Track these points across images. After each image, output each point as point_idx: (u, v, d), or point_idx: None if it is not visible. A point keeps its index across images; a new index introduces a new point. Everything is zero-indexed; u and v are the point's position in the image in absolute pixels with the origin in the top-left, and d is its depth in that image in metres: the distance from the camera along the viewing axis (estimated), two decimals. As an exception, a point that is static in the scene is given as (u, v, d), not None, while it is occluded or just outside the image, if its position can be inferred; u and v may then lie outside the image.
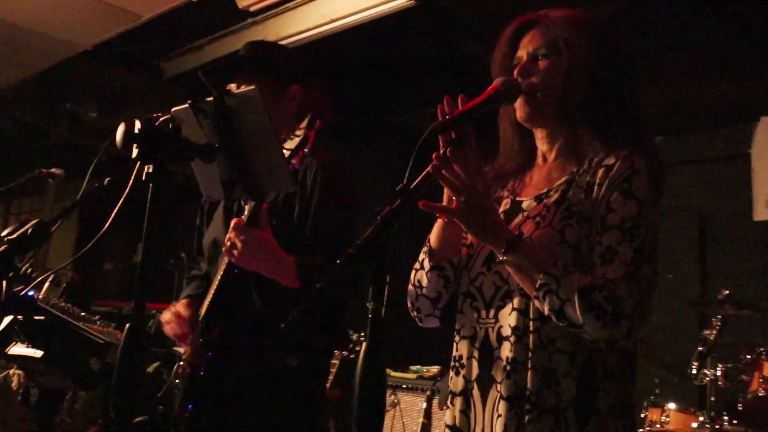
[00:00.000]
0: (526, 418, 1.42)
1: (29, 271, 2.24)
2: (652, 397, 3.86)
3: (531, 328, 1.46)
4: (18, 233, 1.86)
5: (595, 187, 1.50)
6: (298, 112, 2.23)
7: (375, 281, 1.29)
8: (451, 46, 4.62)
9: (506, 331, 1.49)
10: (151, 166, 1.39)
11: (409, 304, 1.66)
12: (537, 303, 1.42)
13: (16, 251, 1.85)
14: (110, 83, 5.34)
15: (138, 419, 2.63)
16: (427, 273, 1.59)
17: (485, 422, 1.50)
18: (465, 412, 1.54)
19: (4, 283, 1.77)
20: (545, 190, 1.58)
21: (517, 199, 1.63)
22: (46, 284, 2.37)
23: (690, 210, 5.15)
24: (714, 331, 3.49)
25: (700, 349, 3.52)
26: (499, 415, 1.46)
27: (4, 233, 1.91)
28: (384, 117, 5.90)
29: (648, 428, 3.61)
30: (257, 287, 2.07)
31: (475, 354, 1.55)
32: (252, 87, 1.46)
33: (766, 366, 3.44)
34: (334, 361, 4.37)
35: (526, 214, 1.57)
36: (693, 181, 5.18)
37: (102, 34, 4.49)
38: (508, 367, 1.47)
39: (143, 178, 1.39)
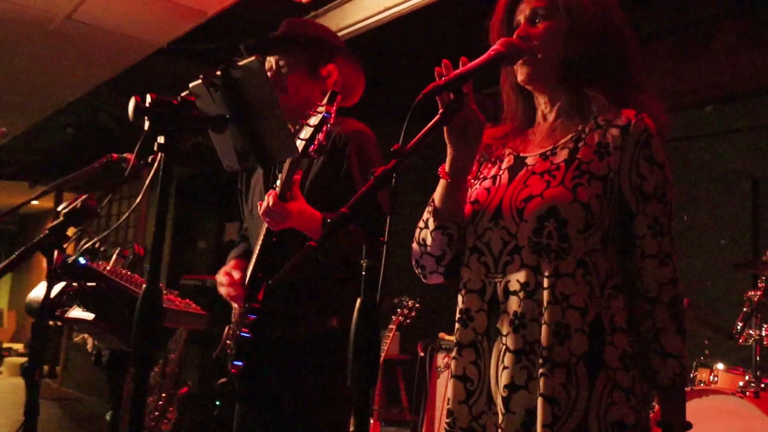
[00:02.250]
0: (539, 371, 1.35)
1: (98, 245, 2.29)
2: (702, 358, 3.67)
3: (545, 285, 1.38)
4: (70, 208, 1.89)
5: (612, 150, 1.42)
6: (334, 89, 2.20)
7: (369, 239, 1.24)
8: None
9: (514, 286, 1.41)
10: (162, 137, 1.36)
11: (413, 262, 1.59)
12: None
13: (69, 224, 1.88)
14: (187, 78, 5.41)
15: (221, 381, 2.67)
16: (431, 232, 1.52)
17: (492, 373, 1.43)
18: (476, 363, 1.47)
19: (56, 252, 1.80)
20: (551, 147, 1.50)
21: (521, 155, 1.55)
22: (114, 257, 2.41)
23: (742, 175, 4.86)
24: (759, 292, 3.28)
25: (744, 309, 3.32)
26: (506, 367, 1.39)
27: (60, 207, 1.95)
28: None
29: (697, 387, 3.43)
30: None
31: (484, 307, 1.47)
32: (253, 58, 1.42)
33: (813, 325, 3.23)
34: (391, 326, 4.35)
35: (530, 169, 1.49)
36: (744, 147, 4.88)
37: (173, 33, 4.56)
38: (516, 322, 1.39)
39: (155, 149, 1.36)
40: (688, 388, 3.34)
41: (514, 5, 1.55)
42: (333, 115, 1.77)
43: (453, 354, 1.52)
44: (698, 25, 4.50)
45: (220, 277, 2.24)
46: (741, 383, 3.20)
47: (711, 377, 3.46)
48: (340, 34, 4.38)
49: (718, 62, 4.68)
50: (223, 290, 2.23)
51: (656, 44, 4.78)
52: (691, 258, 4.84)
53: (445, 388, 4.44)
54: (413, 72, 4.98)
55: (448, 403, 1.50)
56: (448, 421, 1.49)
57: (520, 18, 1.52)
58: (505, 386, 1.39)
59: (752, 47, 4.55)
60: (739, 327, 3.28)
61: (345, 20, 4.70)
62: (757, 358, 3.24)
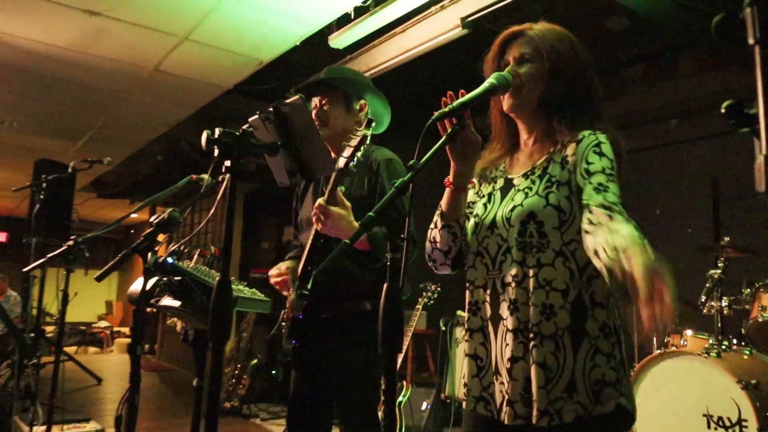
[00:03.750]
0: (531, 344, 1.36)
1: (182, 247, 2.34)
2: (674, 326, 3.63)
3: (530, 275, 1.39)
4: (159, 219, 1.94)
5: (569, 158, 1.43)
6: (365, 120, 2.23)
7: (392, 236, 1.26)
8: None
9: (508, 279, 1.43)
10: (229, 161, 1.40)
11: (426, 256, 1.61)
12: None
13: (159, 232, 1.94)
14: (251, 113, 5.48)
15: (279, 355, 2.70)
16: (439, 231, 1.54)
17: (497, 350, 1.45)
18: (484, 344, 1.48)
19: (150, 254, 1.86)
20: (530, 168, 1.51)
21: (509, 177, 1.56)
22: (195, 256, 2.46)
23: (704, 176, 4.78)
24: (718, 271, 3.23)
25: (707, 285, 3.27)
26: (507, 344, 1.41)
27: (151, 219, 2.00)
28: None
29: (669, 350, 3.38)
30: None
31: (487, 299, 1.48)
32: (297, 97, 1.45)
33: (764, 297, 3.16)
34: (417, 306, 4.36)
35: (516, 188, 1.51)
36: (705, 152, 4.80)
37: (237, 77, 4.64)
38: (512, 306, 1.41)
39: (223, 171, 1.40)
40: (661, 351, 3.32)
41: (505, 46, 1.56)
42: (369, 136, 1.79)
43: (465, 337, 1.53)
44: (663, 52, 4.44)
45: (271, 271, 2.31)
46: (706, 346, 3.16)
47: (681, 341, 3.41)
48: (369, 72, 4.41)
49: (682, 83, 4.62)
50: (272, 280, 2.30)
51: (628, 69, 4.73)
52: (663, 244, 4.77)
53: (463, 355, 4.43)
54: (426, 101, 5.01)
55: (464, 378, 1.52)
56: (464, 392, 1.50)
57: (510, 58, 1.53)
58: (508, 359, 1.39)
59: (710, 70, 4.48)
60: (703, 299, 3.24)
61: (373, 61, 4.72)
62: (719, 325, 3.19)
